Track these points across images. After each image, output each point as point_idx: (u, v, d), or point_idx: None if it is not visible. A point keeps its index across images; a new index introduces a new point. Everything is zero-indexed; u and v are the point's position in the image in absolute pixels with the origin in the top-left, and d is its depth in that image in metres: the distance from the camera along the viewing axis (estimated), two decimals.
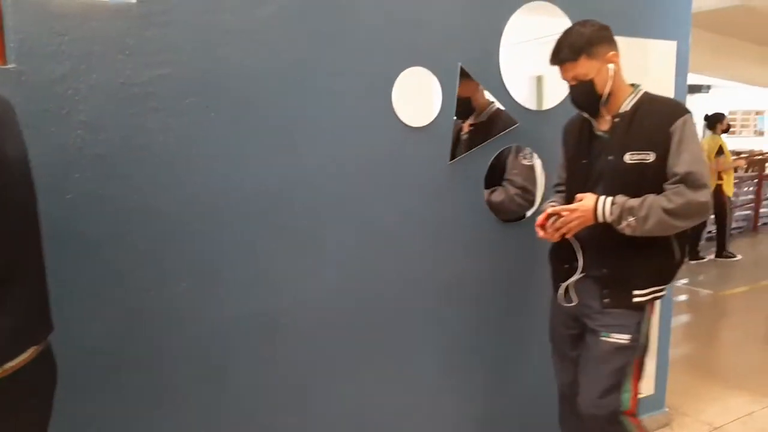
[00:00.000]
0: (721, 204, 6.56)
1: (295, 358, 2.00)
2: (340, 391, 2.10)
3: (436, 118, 2.14)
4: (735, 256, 6.69)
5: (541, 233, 1.86)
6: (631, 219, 1.72)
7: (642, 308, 1.87)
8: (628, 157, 1.79)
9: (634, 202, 1.74)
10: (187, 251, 1.78)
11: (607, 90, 1.82)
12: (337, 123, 1.97)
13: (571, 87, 1.85)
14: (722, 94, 18.45)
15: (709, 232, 7.26)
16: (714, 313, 5.09)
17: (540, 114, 2.37)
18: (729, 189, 6.47)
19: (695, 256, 6.70)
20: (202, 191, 1.79)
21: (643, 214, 1.72)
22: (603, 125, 1.89)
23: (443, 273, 2.24)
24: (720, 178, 6.46)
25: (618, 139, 1.82)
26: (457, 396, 2.37)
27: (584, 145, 1.93)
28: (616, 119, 1.84)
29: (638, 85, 1.90)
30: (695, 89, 18.47)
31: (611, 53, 1.82)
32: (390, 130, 2.07)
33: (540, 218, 1.85)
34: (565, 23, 2.33)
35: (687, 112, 1.80)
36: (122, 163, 1.67)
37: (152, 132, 1.70)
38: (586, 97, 1.84)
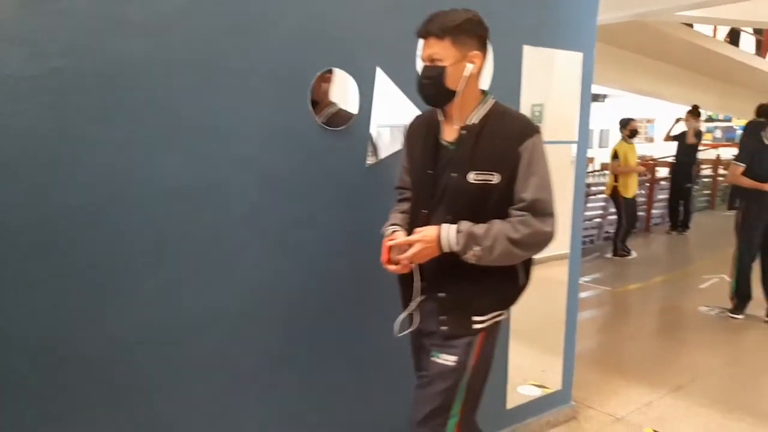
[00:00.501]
0: (617, 205, 7.00)
1: (204, 370, 1.90)
2: (250, 404, 2.02)
3: (353, 121, 2.11)
4: (631, 254, 7.12)
5: (391, 268, 1.76)
6: (476, 248, 1.64)
7: (477, 331, 1.78)
8: (473, 177, 1.68)
9: (479, 230, 1.65)
10: (83, 260, 1.64)
11: (459, 88, 1.68)
12: (249, 124, 1.89)
13: (423, 68, 1.70)
14: (617, 104, 19.72)
15: (606, 232, 7.72)
16: (612, 309, 5.40)
17: None
18: (626, 191, 6.87)
19: (621, 253, 7.14)
20: (101, 195, 1.65)
21: (488, 243, 1.64)
22: (449, 134, 1.76)
23: (363, 277, 2.19)
24: (616, 180, 6.89)
25: (463, 155, 1.70)
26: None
27: (430, 154, 1.78)
28: (463, 132, 1.72)
29: (489, 94, 1.78)
30: (594, 98, 19.62)
31: (476, 53, 1.68)
32: (306, 132, 2.01)
33: (383, 255, 1.75)
34: None
35: (537, 131, 1.70)
36: (10, 163, 1.51)
37: (44, 129, 1.55)
38: (433, 83, 1.68)
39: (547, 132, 2.78)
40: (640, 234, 8.26)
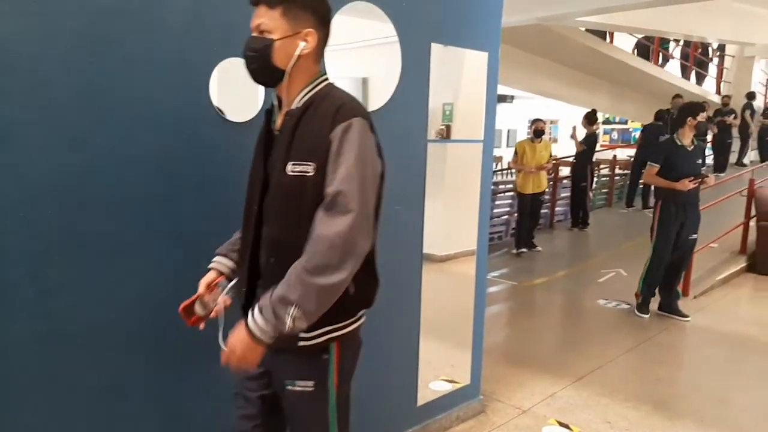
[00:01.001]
0: (518, 202, 7.31)
1: (94, 379, 1.76)
2: (142, 411, 1.89)
3: (259, 113, 2.01)
4: (536, 248, 7.42)
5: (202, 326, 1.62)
6: (291, 309, 1.37)
7: (325, 350, 1.55)
8: (290, 168, 1.46)
9: (280, 289, 1.39)
10: None
11: (287, 68, 1.48)
12: (141, 115, 1.75)
13: (249, 39, 1.50)
14: (523, 105, 20.55)
15: (513, 228, 7.99)
16: (519, 303, 5.58)
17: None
18: (525, 187, 7.13)
19: (531, 245, 7.41)
20: None
21: (296, 296, 1.37)
22: (279, 121, 1.56)
23: None
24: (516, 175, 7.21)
25: (284, 144, 1.49)
26: None
27: (262, 144, 1.58)
28: (287, 117, 1.51)
29: (323, 74, 1.56)
30: (501, 99, 20.38)
31: (310, 30, 1.49)
32: (206, 124, 1.90)
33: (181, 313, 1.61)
34: (386, 28, 2.36)
35: (355, 116, 1.45)
36: None
37: None
38: (258, 57, 1.47)
39: (457, 131, 2.84)
40: (544, 230, 8.61)
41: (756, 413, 3.26)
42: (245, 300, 1.59)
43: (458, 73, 2.85)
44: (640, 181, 9.70)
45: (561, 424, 3.09)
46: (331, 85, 1.56)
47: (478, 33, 2.78)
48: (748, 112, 11.98)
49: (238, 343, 1.43)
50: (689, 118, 4.60)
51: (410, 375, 2.78)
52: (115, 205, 1.73)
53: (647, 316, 4.93)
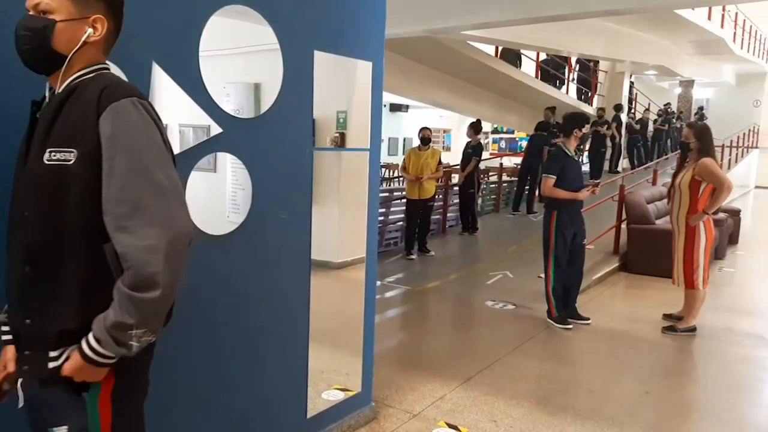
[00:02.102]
0: (406, 208, 7.53)
1: None
2: None
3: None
4: (429, 253, 7.60)
5: None
6: (135, 332, 1.23)
7: (85, 385, 1.29)
8: (48, 156, 1.25)
9: (114, 314, 1.23)
10: None
11: (69, 54, 1.31)
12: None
13: (24, 16, 1.31)
14: (418, 114, 21.08)
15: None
16: (412, 307, 5.69)
17: (248, 123, 2.31)
18: (411, 193, 7.32)
19: (424, 250, 7.55)
20: None
21: (131, 319, 1.22)
22: None
23: None
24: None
25: (42, 130, 1.29)
26: None
27: (25, 140, 1.36)
28: (48, 102, 1.34)
29: (104, 64, 1.40)
30: (397, 108, 20.80)
31: (100, 17, 1.34)
32: None
33: None
34: (262, 32, 2.32)
35: (127, 95, 1.28)
36: None
37: None
38: (34, 38, 1.29)
39: (351, 139, 2.85)
40: (437, 235, 8.84)
41: (628, 404, 3.51)
42: (16, 321, 1.33)
43: (351, 82, 2.87)
44: (526, 187, 10.26)
45: (450, 426, 3.16)
46: (107, 71, 1.38)
47: (362, 42, 2.81)
48: (614, 124, 13.07)
49: (75, 366, 1.26)
50: (575, 130, 4.75)
51: (299, 386, 2.73)
52: None
53: (571, 326, 4.87)
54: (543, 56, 13.93)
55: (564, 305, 4.99)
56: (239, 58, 2.37)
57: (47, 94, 1.38)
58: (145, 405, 1.46)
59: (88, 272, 1.27)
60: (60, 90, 1.32)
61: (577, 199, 4.74)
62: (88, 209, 1.25)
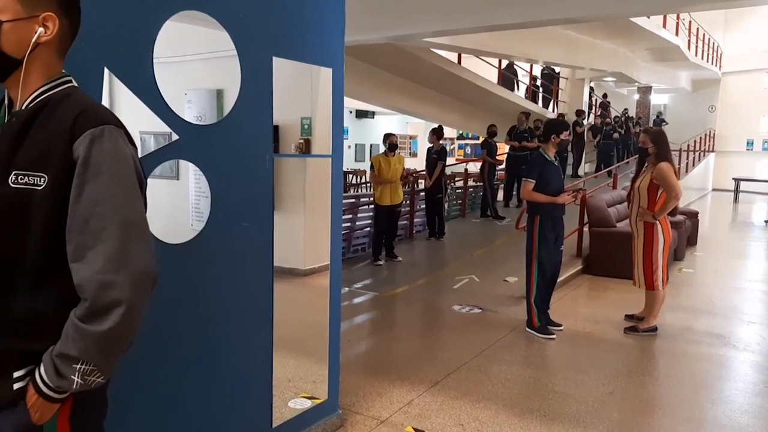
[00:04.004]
0: (375, 214, 7.57)
1: None
2: None
3: None
4: (396, 258, 7.62)
5: None
6: (80, 366, 1.18)
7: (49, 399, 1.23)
8: (14, 179, 1.19)
9: (60, 344, 1.19)
10: None
11: (23, 58, 1.24)
12: None
13: None
14: (385, 120, 21.17)
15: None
16: (380, 312, 5.68)
17: (206, 129, 2.28)
18: (383, 199, 7.35)
19: (392, 255, 7.59)
20: None
21: (75, 351, 1.17)
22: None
23: None
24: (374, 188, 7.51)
25: (7, 150, 1.21)
26: None
27: None
28: (13, 119, 1.25)
29: (66, 75, 1.32)
30: (363, 114, 20.86)
31: (50, 15, 1.25)
32: None
33: None
34: (224, 38, 2.30)
35: (105, 122, 1.23)
36: None
37: None
38: None
39: (316, 145, 2.85)
40: (404, 241, 8.87)
41: (592, 404, 3.56)
42: None
43: (315, 88, 2.86)
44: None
45: (417, 431, 3.16)
46: (74, 87, 1.32)
47: (321, 49, 2.80)
48: (579, 129, 13.33)
49: (31, 402, 1.21)
50: (553, 136, 4.70)
51: (264, 395, 2.69)
52: None
53: (554, 335, 4.79)
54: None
55: (545, 313, 4.93)
56: (201, 64, 2.34)
57: (6, 104, 1.31)
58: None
59: (41, 301, 1.22)
60: (25, 105, 1.26)
61: (557, 203, 4.71)
62: (51, 236, 1.20)
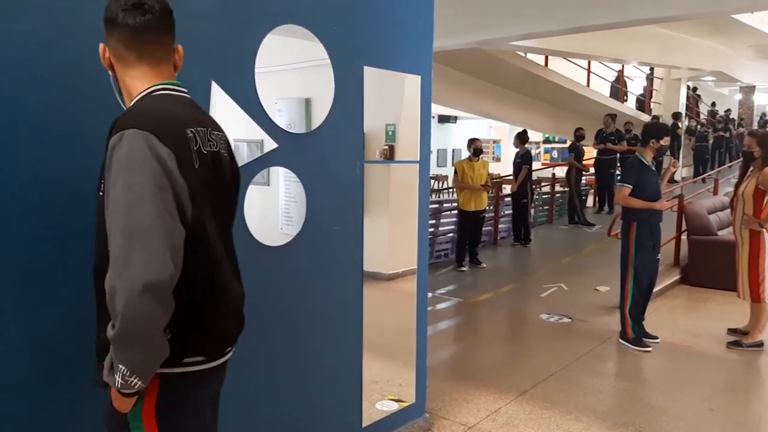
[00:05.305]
0: (459, 220, 7.50)
1: None
2: None
3: None
4: (481, 265, 7.55)
5: None
6: (119, 366, 1.24)
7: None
8: (99, 188, 1.32)
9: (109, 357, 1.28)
10: None
11: (120, 84, 1.41)
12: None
13: None
14: (467, 125, 21.00)
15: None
16: (464, 319, 5.65)
17: (302, 137, 2.37)
18: (468, 205, 7.29)
19: (476, 262, 7.55)
20: None
21: (112, 352, 1.25)
22: None
23: None
24: (457, 194, 7.47)
25: (103, 160, 1.31)
26: None
27: None
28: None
29: (154, 87, 1.38)
30: (445, 119, 20.79)
31: (102, 45, 1.39)
32: None
33: None
34: (319, 49, 2.38)
35: (132, 126, 1.24)
36: None
37: None
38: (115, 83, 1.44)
39: (400, 151, 2.89)
40: (488, 247, 8.76)
41: (691, 421, 3.37)
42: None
43: (400, 95, 2.91)
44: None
45: None
46: (147, 96, 1.37)
47: (411, 57, 2.84)
48: (678, 131, 12.66)
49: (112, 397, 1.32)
50: (653, 140, 4.50)
51: (354, 395, 2.76)
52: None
53: (650, 348, 4.58)
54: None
55: (640, 325, 4.70)
56: (290, 73, 2.43)
57: None
58: None
59: None
60: None
61: (654, 210, 4.48)
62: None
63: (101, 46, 1.39)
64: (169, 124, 1.29)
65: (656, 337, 4.75)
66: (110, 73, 1.42)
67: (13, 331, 1.62)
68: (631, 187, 4.44)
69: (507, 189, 10.06)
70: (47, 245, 1.66)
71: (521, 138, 8.62)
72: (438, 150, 20.84)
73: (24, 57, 1.59)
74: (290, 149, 2.31)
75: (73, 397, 1.71)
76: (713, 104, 17.11)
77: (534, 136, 15.95)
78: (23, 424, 1.66)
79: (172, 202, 1.25)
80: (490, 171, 8.07)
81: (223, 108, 2.07)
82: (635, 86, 16.04)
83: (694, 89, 17.44)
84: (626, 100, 14.76)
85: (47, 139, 1.64)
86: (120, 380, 1.24)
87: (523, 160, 8.55)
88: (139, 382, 1.25)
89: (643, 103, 15.20)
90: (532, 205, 9.35)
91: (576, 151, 10.08)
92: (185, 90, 1.44)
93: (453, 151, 21.06)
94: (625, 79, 14.56)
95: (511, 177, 9.22)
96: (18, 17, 1.58)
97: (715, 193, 9.11)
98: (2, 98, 1.57)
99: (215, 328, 1.41)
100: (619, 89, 14.33)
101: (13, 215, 1.60)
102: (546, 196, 11.32)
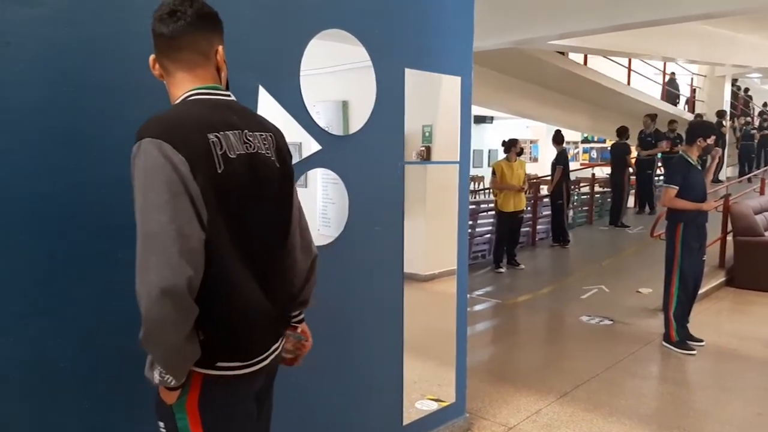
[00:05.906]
0: (498, 221, 7.45)
1: None
2: None
3: None
4: (519, 266, 7.49)
5: None
6: (157, 369, 1.33)
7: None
8: None
9: None
10: None
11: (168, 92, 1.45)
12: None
13: None
14: (503, 125, 20.84)
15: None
16: (503, 320, 5.62)
17: (345, 139, 2.42)
18: (502, 206, 7.26)
19: (514, 263, 7.51)
20: None
21: (150, 357, 1.34)
22: None
23: None
24: (495, 195, 7.44)
25: None
26: None
27: None
28: None
29: (189, 92, 1.40)
30: (481, 120, 20.68)
31: (152, 57, 1.44)
32: None
33: None
34: (362, 53, 2.43)
35: (147, 135, 1.27)
36: None
37: None
38: None
39: (437, 152, 2.91)
40: (526, 248, 8.68)
41: (737, 426, 3.30)
42: None
43: (436, 96, 2.93)
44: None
45: None
46: (182, 101, 1.40)
47: (451, 58, 2.86)
48: (723, 130, 12.31)
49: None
50: (699, 139, 4.38)
51: (395, 394, 2.79)
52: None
53: (695, 351, 4.48)
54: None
55: (685, 328, 4.60)
56: (327, 77, 2.47)
57: None
58: None
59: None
60: None
61: (702, 210, 4.38)
62: None
63: (150, 57, 1.42)
64: (185, 130, 1.30)
65: (701, 340, 4.64)
66: (164, 82, 1.47)
67: (72, 327, 1.70)
68: (677, 188, 4.35)
69: (545, 189, 9.96)
70: (106, 244, 1.74)
71: (555, 139, 8.57)
72: (474, 150, 20.72)
73: (87, 65, 1.68)
74: (334, 151, 2.36)
75: (132, 389, 1.79)
76: (765, 104, 16.55)
77: (572, 136, 15.70)
78: (88, 414, 1.74)
79: (189, 206, 1.26)
80: (527, 171, 8.00)
81: (269, 111, 2.13)
82: (681, 86, 15.66)
83: (746, 90, 16.92)
84: (678, 103, 14.44)
85: (109, 143, 1.72)
86: (157, 376, 1.31)
87: (558, 160, 8.46)
88: (173, 380, 1.31)
89: (686, 102, 14.85)
90: (570, 206, 9.22)
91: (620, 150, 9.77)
92: (225, 92, 1.44)
93: (489, 151, 20.93)
94: (675, 79, 14.22)
95: (549, 177, 9.12)
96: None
97: (762, 192, 8.85)
98: (58, 105, 1.65)
99: (235, 336, 1.40)
100: (671, 93, 14.01)
101: (91, 215, 1.69)
102: (585, 196, 11.15)
